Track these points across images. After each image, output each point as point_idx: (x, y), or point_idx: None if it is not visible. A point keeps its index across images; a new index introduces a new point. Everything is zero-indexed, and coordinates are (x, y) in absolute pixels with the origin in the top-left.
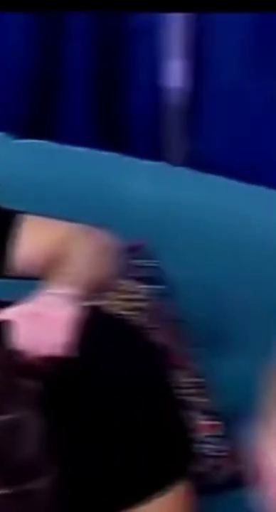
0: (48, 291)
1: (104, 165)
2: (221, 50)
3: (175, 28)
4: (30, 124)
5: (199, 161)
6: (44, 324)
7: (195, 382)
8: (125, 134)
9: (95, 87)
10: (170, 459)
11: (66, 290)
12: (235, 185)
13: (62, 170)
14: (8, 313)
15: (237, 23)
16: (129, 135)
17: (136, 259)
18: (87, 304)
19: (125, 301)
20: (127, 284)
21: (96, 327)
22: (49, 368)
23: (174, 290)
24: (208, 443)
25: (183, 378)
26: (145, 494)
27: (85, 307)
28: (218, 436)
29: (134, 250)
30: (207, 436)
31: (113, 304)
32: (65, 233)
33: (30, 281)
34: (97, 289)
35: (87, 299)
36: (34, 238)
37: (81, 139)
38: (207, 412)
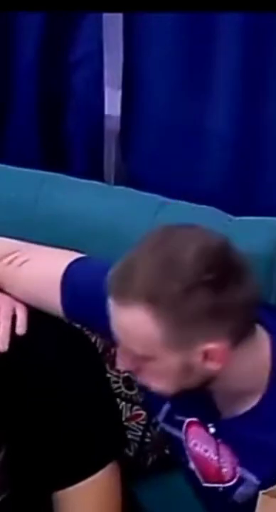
0: None
1: (49, 185)
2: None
3: (109, 58)
4: None
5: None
6: None
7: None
8: (67, 157)
9: (40, 110)
10: (101, 443)
11: None
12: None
13: (10, 191)
14: None
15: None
16: (70, 157)
17: None
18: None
19: None
20: None
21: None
22: None
23: None
24: (135, 430)
25: (115, 372)
26: (78, 474)
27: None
28: (143, 425)
29: None
30: (134, 424)
31: None
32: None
33: None
34: None
35: None
36: None
37: (28, 161)
38: (134, 403)
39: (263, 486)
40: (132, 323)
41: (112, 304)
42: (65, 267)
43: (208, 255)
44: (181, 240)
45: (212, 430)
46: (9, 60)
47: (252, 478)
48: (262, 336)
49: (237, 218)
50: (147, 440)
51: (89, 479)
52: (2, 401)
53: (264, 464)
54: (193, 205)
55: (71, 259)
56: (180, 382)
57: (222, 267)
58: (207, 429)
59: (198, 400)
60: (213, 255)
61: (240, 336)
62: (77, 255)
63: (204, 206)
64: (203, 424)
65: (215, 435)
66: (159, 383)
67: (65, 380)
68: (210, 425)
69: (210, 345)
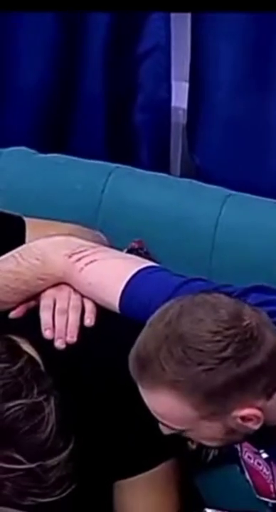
0: None
1: (115, 177)
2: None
3: (176, 50)
4: (47, 139)
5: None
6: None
7: None
8: (133, 149)
9: (108, 103)
10: (163, 436)
11: None
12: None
13: (78, 183)
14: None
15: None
16: (137, 150)
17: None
18: None
19: None
20: None
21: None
22: None
23: None
24: None
25: None
26: (141, 465)
27: None
28: None
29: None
30: None
31: None
32: (69, 230)
33: None
34: None
35: None
36: (43, 235)
37: (94, 153)
38: None
39: None
40: (161, 405)
41: (138, 385)
42: (129, 277)
43: (221, 333)
44: (191, 323)
45: (264, 456)
46: (77, 53)
47: None
48: None
49: None
50: None
51: (152, 471)
52: (70, 393)
53: None
54: (259, 197)
55: (137, 269)
56: (226, 440)
57: (238, 340)
58: (259, 454)
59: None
60: (226, 331)
61: (275, 386)
62: (147, 264)
63: (269, 199)
64: (256, 448)
65: (267, 460)
66: (207, 443)
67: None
68: (261, 451)
69: (246, 411)
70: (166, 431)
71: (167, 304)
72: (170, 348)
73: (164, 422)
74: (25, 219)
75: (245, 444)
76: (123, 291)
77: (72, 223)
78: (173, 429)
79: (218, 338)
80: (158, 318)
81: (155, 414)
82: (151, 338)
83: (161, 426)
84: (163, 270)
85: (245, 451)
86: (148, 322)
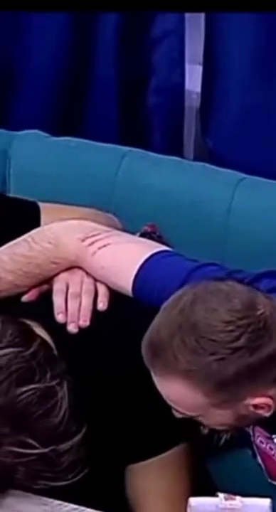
0: None
1: (129, 160)
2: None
3: (190, 34)
4: (61, 122)
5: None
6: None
7: None
8: (146, 132)
9: (121, 86)
10: (175, 420)
11: None
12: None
13: (91, 166)
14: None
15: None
16: (150, 133)
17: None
18: None
19: None
20: None
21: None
22: None
23: None
24: None
25: None
26: (153, 449)
27: None
28: None
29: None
30: None
31: None
32: (83, 214)
33: None
34: None
35: None
36: (57, 219)
37: (107, 137)
38: None
39: None
40: (174, 392)
41: (151, 371)
42: (142, 261)
43: (235, 323)
44: (205, 312)
45: None
46: (91, 36)
47: None
48: None
49: None
50: None
51: (164, 454)
52: (83, 378)
53: None
54: (272, 181)
55: (151, 253)
56: (237, 425)
57: (251, 330)
58: (272, 439)
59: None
60: (240, 321)
61: None
62: (159, 248)
63: None
64: (269, 433)
65: None
66: (218, 427)
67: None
68: (274, 436)
69: (257, 400)
70: (178, 415)
71: (181, 291)
72: (183, 337)
73: (176, 408)
74: (40, 204)
75: (258, 429)
76: (136, 275)
77: (87, 207)
78: (185, 414)
79: (231, 328)
80: (172, 304)
81: (167, 400)
82: (165, 324)
83: (173, 410)
84: (176, 255)
85: (258, 436)
86: (162, 308)
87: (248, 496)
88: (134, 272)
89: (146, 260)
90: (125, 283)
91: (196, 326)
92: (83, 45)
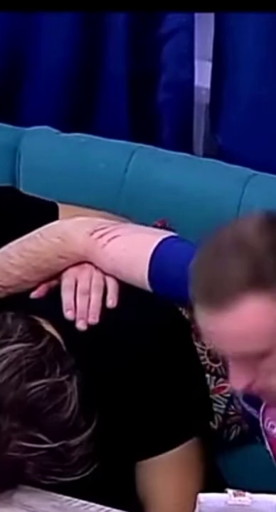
0: None
1: (138, 156)
2: (241, 50)
3: (199, 30)
4: (70, 118)
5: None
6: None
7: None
8: (156, 129)
9: (130, 82)
10: (187, 417)
11: None
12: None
13: (101, 162)
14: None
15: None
16: (160, 129)
17: None
18: None
19: None
20: None
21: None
22: None
23: None
24: (219, 403)
25: (200, 344)
26: (163, 445)
27: None
28: (227, 397)
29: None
30: (218, 397)
31: None
32: (99, 217)
33: None
34: None
35: None
36: None
37: (117, 133)
38: (219, 375)
39: None
40: (244, 321)
41: (209, 317)
42: (156, 245)
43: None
44: (246, 224)
45: None
46: (101, 32)
47: None
48: None
49: None
50: (231, 413)
51: (174, 450)
52: (93, 374)
53: None
54: None
55: (162, 237)
56: None
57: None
58: None
59: None
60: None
61: None
62: (168, 234)
63: None
64: None
65: None
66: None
67: (155, 354)
68: None
69: None
70: (236, 384)
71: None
72: (236, 253)
73: (240, 350)
74: (59, 205)
75: (270, 413)
76: (151, 258)
77: (104, 211)
78: (245, 370)
79: (269, 231)
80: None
81: (228, 348)
82: (213, 257)
83: (231, 380)
84: (185, 240)
85: (268, 420)
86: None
87: (258, 492)
88: (149, 256)
89: (160, 243)
90: (138, 271)
91: (237, 238)
92: (93, 42)
